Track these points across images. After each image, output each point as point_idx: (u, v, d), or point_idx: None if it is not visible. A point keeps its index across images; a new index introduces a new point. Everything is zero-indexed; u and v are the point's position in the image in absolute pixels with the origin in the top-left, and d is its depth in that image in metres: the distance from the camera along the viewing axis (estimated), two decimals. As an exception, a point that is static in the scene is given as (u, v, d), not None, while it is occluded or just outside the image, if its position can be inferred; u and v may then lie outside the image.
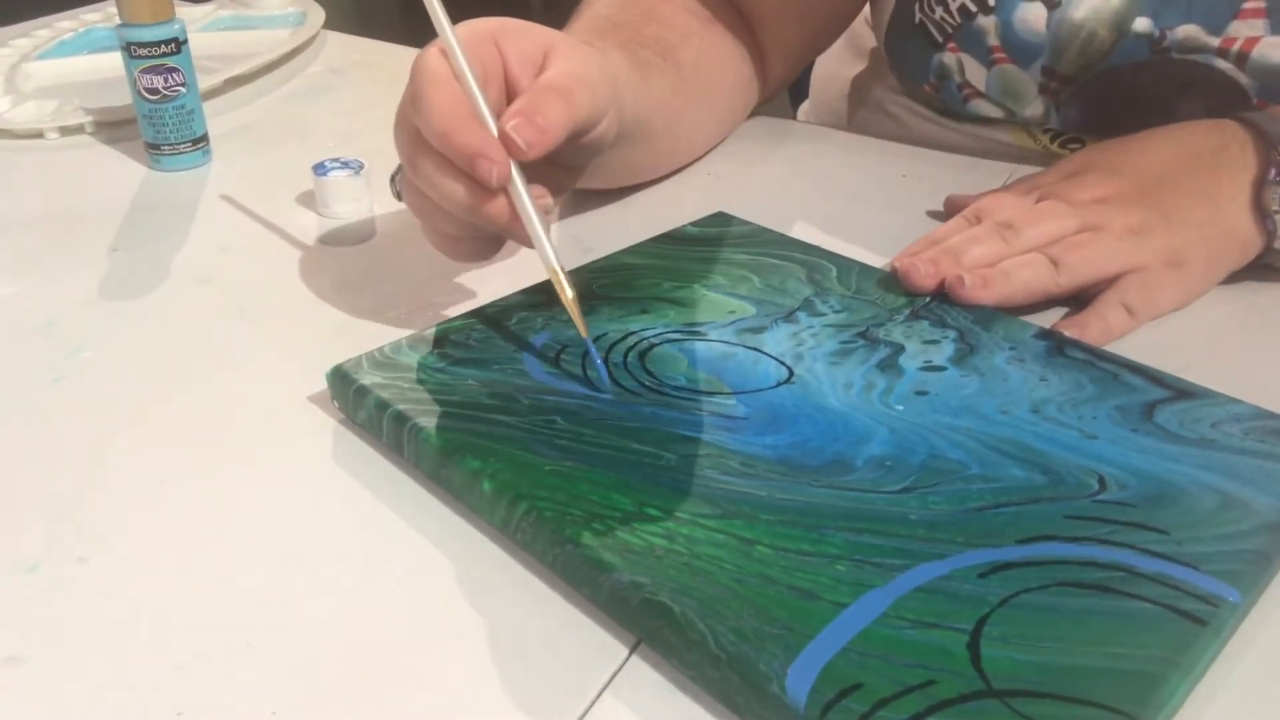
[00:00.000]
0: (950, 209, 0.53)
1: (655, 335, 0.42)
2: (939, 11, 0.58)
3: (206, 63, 0.74)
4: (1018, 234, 0.45)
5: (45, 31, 0.83)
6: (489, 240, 0.43)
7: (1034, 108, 0.58)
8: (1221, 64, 0.52)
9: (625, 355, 0.40)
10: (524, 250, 0.52)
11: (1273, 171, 0.45)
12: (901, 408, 0.37)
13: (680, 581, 0.30)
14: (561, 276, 0.40)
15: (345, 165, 0.56)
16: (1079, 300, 0.45)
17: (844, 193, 0.58)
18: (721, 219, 0.52)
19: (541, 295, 0.45)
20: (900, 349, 0.41)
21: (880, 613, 0.29)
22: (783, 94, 0.75)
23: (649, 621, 0.30)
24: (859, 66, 0.78)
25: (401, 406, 0.37)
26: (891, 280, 0.45)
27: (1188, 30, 0.52)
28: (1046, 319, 0.44)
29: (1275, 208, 0.45)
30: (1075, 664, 0.27)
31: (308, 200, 0.58)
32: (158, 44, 0.59)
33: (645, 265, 0.47)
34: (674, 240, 0.49)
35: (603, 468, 0.34)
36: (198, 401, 0.42)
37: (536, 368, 0.40)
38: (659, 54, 0.55)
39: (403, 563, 0.34)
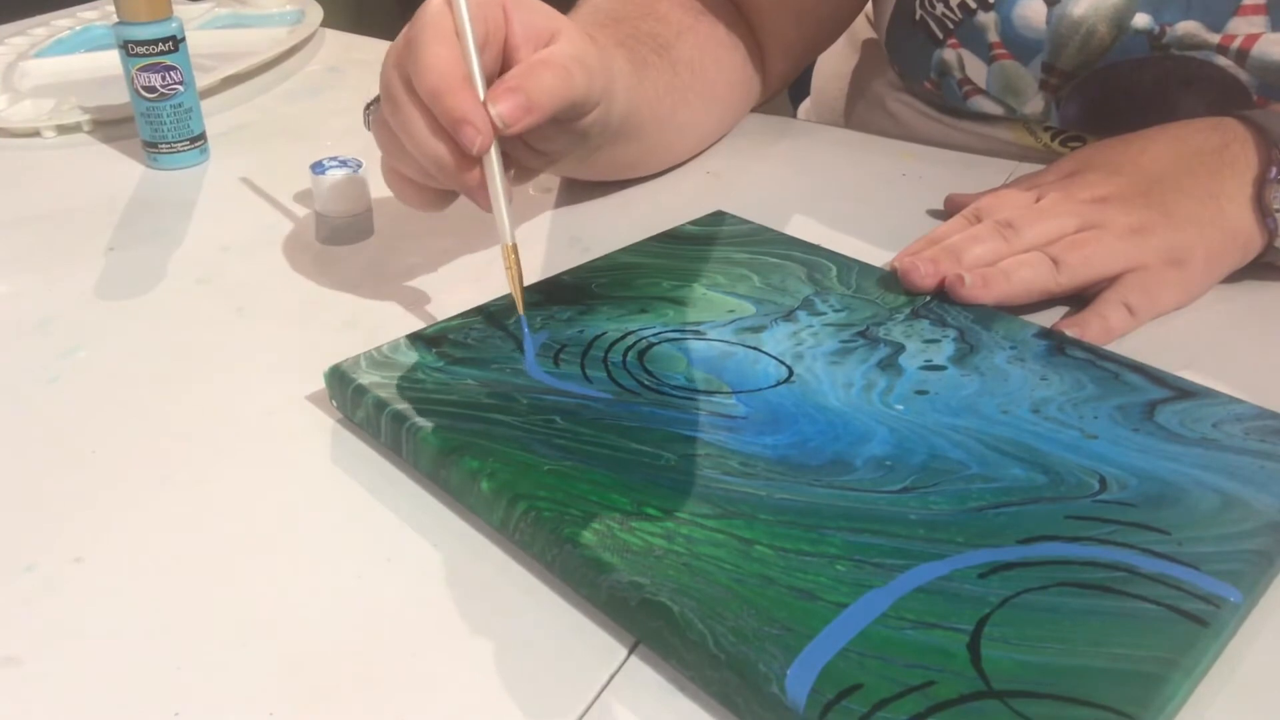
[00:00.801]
0: (950, 208, 0.53)
1: (654, 334, 0.42)
2: (940, 8, 0.58)
3: (204, 61, 0.74)
4: (1018, 233, 0.45)
5: (42, 30, 0.83)
6: (444, 195, 0.44)
7: (1034, 104, 0.58)
8: (1221, 61, 0.52)
9: (624, 355, 0.40)
10: (524, 251, 0.52)
11: (1274, 170, 0.45)
12: (901, 407, 0.37)
13: (679, 582, 0.30)
14: (515, 254, 0.42)
15: (343, 164, 0.55)
16: (1079, 299, 0.45)
17: (844, 191, 0.58)
18: (720, 218, 0.52)
19: (540, 295, 0.44)
20: (900, 348, 0.40)
21: (880, 613, 0.29)
22: (783, 92, 0.75)
23: (648, 622, 0.30)
24: (857, 61, 0.77)
25: (400, 406, 0.37)
26: (891, 279, 0.45)
27: (1187, 27, 0.52)
28: (1047, 318, 0.44)
29: (1276, 206, 0.45)
30: (1076, 664, 0.27)
31: (305, 199, 0.58)
32: (155, 42, 0.59)
33: (644, 264, 0.47)
34: (673, 239, 0.49)
35: (602, 467, 0.34)
36: (195, 401, 0.41)
37: (535, 367, 0.39)
38: (655, 51, 0.55)
39: (401, 563, 0.33)
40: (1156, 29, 0.52)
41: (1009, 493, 0.33)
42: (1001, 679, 0.27)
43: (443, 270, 0.50)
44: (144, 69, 0.60)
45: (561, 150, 0.47)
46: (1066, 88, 0.56)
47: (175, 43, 0.60)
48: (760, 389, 0.38)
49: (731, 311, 0.43)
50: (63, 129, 0.68)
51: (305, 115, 0.71)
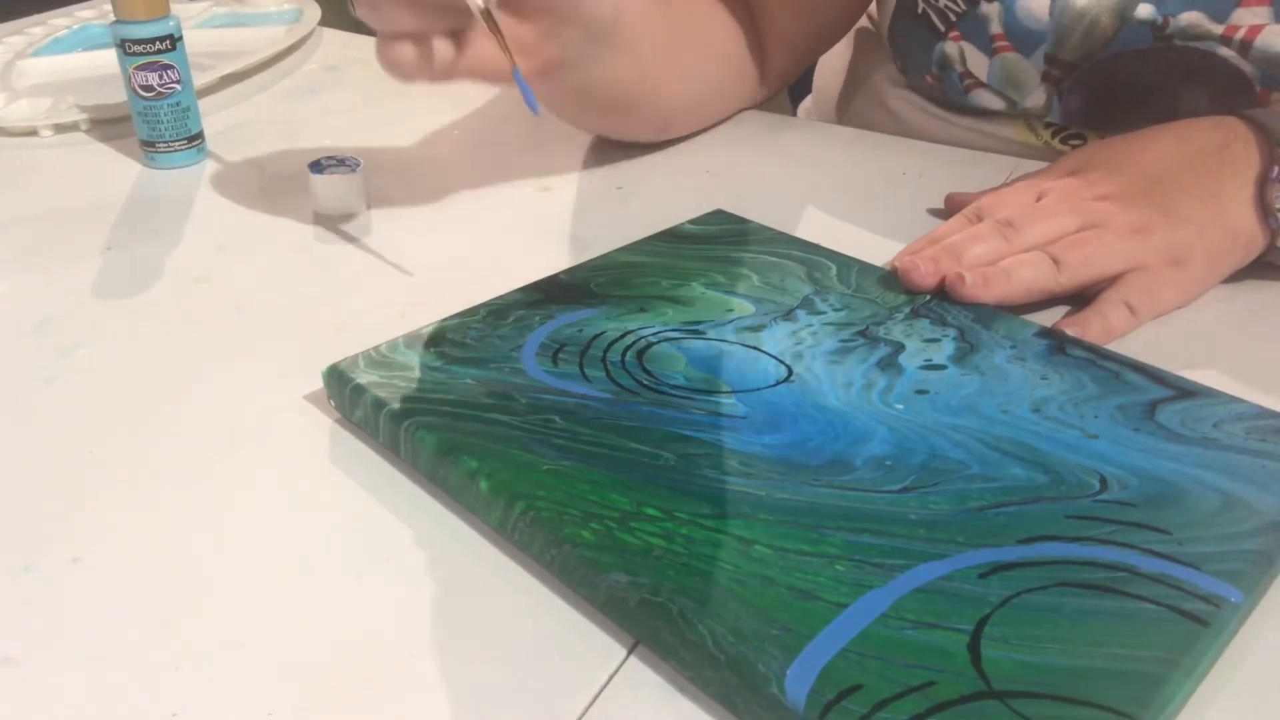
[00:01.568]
0: (951, 207, 0.53)
1: (653, 334, 0.41)
2: (942, 0, 0.58)
3: (202, 60, 0.74)
4: (1019, 232, 0.45)
5: (40, 29, 0.83)
6: (444, 53, 0.45)
7: (1035, 97, 0.58)
8: (1225, 52, 0.51)
9: (623, 354, 0.40)
10: (523, 250, 0.52)
11: (1275, 169, 0.45)
12: (901, 407, 0.37)
13: (678, 582, 0.30)
14: (489, 15, 0.44)
15: (342, 163, 0.55)
16: (1080, 299, 0.45)
17: (843, 190, 0.58)
18: (720, 216, 0.52)
19: (539, 294, 0.44)
20: (900, 348, 0.40)
21: (880, 613, 0.29)
22: (783, 92, 0.75)
23: (647, 622, 0.29)
24: (852, 52, 0.77)
25: (398, 405, 0.37)
26: (891, 278, 0.45)
27: (1191, 17, 0.52)
28: (1047, 318, 0.44)
29: (1278, 205, 0.45)
30: (1076, 665, 0.27)
31: (304, 198, 0.57)
32: (153, 41, 0.59)
33: (643, 263, 0.47)
34: (672, 238, 0.49)
35: (601, 467, 0.34)
36: (193, 401, 0.41)
37: (534, 366, 0.39)
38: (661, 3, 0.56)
39: (399, 563, 0.33)
40: (1160, 20, 0.52)
41: (1009, 492, 0.33)
42: (1002, 679, 0.27)
43: (442, 269, 0.50)
44: (141, 68, 0.59)
45: (555, 43, 0.48)
46: (1069, 80, 0.56)
47: (173, 41, 0.60)
48: (760, 388, 0.38)
49: (731, 311, 0.43)
50: (60, 128, 0.68)
51: (303, 114, 0.71)
